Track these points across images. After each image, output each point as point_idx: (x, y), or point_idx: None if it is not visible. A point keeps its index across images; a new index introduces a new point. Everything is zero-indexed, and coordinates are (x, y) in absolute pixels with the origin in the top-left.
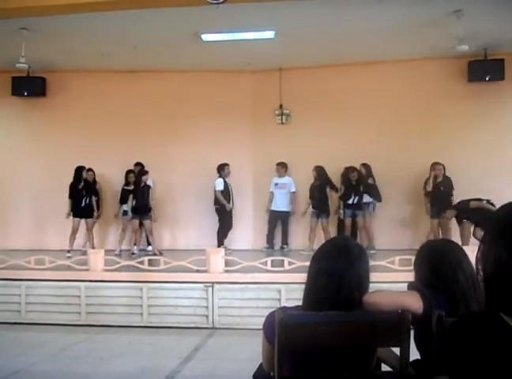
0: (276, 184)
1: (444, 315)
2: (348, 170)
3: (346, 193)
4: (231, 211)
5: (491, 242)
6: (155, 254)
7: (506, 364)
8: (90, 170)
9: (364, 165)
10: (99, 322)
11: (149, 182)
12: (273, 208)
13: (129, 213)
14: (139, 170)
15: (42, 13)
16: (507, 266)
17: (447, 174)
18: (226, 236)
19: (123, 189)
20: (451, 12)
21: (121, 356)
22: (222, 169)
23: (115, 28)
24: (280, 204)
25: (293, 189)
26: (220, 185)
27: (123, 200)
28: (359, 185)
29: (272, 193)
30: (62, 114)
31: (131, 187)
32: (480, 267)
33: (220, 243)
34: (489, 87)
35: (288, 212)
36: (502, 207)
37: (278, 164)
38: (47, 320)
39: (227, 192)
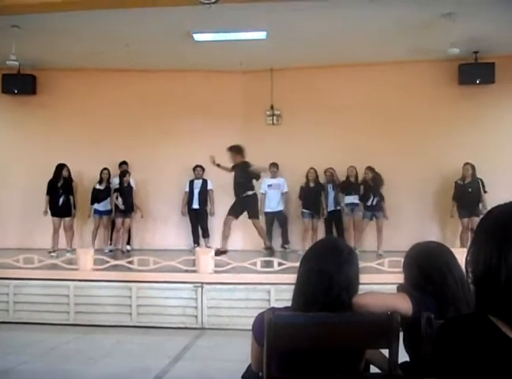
0: (270, 185)
1: (433, 317)
2: (364, 171)
3: (365, 195)
4: (190, 214)
5: (481, 243)
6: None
7: (494, 366)
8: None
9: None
10: (88, 322)
11: (132, 183)
12: (268, 209)
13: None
14: (121, 171)
15: (33, 10)
16: (497, 268)
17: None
18: (194, 237)
19: (94, 189)
20: (443, 15)
21: (110, 356)
22: (192, 170)
23: (107, 26)
24: (274, 204)
25: (285, 190)
26: (185, 186)
27: (94, 200)
28: (377, 186)
29: (264, 194)
30: (52, 112)
31: (103, 186)
32: (469, 269)
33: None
34: (480, 90)
35: (281, 211)
36: (493, 209)
37: (271, 165)
38: (35, 320)
39: (190, 194)
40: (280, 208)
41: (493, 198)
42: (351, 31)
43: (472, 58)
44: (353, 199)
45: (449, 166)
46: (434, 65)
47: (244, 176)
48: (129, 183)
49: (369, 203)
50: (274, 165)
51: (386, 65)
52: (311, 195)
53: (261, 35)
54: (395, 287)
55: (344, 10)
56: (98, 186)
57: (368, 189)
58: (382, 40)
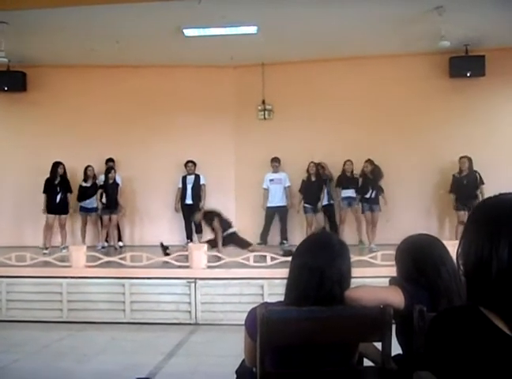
0: (272, 180)
1: (425, 310)
2: (363, 163)
3: (363, 187)
4: (183, 209)
5: (472, 235)
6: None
7: (486, 358)
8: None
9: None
10: (81, 319)
11: (117, 179)
12: (270, 204)
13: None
14: (106, 168)
15: (22, 6)
16: (488, 260)
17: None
18: (187, 233)
19: (80, 186)
20: (433, 8)
21: (103, 353)
22: (184, 166)
23: (97, 22)
24: (277, 199)
25: (288, 184)
26: (178, 182)
27: (81, 197)
28: (376, 178)
29: (266, 189)
30: (43, 109)
31: (89, 184)
32: (460, 261)
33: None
34: (470, 83)
35: (285, 207)
36: (484, 201)
37: (273, 160)
38: (28, 318)
39: (183, 189)
40: (283, 203)
41: (485, 189)
42: (341, 25)
43: (463, 51)
44: (351, 193)
45: (441, 159)
46: (426, 58)
47: (212, 224)
48: (114, 180)
49: (367, 195)
50: (276, 160)
51: (378, 58)
52: (313, 189)
53: (251, 29)
54: (388, 280)
55: (335, 4)
56: (84, 184)
57: (367, 182)
58: (373, 34)
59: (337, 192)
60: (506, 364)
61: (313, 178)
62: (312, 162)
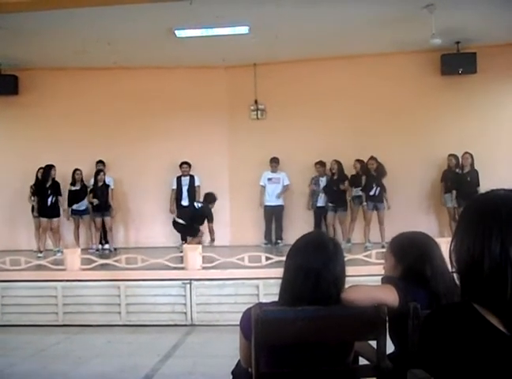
0: (270, 179)
1: (419, 307)
2: (368, 161)
3: (367, 184)
4: (179, 211)
5: (464, 233)
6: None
7: (479, 354)
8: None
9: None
10: (77, 322)
11: (108, 181)
12: (267, 203)
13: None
14: (95, 171)
15: (14, 9)
16: (480, 256)
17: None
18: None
19: (70, 191)
20: (424, 6)
21: (100, 355)
22: (179, 167)
23: (89, 25)
24: (274, 198)
25: (286, 183)
26: (172, 183)
27: (71, 201)
28: (380, 175)
29: (263, 187)
30: (35, 112)
31: (78, 187)
32: (453, 258)
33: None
34: (462, 80)
35: (281, 206)
36: (475, 198)
37: (272, 160)
38: (24, 322)
39: (178, 191)
40: (280, 202)
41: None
42: (333, 24)
43: (454, 49)
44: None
45: (435, 156)
46: (417, 55)
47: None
48: (104, 182)
49: (372, 193)
50: (274, 159)
51: (370, 57)
52: (333, 188)
53: (243, 29)
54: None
55: (327, 3)
56: (73, 188)
57: (371, 180)
58: (365, 33)
59: (351, 191)
60: (500, 360)
61: (334, 177)
62: (334, 160)
